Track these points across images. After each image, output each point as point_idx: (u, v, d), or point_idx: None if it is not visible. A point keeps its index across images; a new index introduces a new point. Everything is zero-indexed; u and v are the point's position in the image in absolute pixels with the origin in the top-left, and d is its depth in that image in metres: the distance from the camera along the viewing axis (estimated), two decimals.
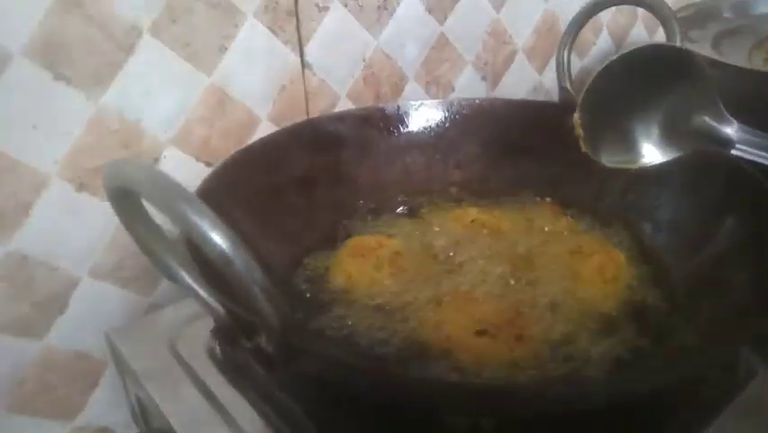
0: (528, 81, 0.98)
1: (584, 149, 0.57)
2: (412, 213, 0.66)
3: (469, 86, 0.91)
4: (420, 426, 0.41)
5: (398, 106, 0.68)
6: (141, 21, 0.59)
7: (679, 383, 0.42)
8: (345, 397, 0.44)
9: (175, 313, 0.62)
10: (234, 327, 0.36)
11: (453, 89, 0.89)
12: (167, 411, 0.52)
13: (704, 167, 0.53)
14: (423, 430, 0.42)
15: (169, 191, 0.27)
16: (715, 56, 0.81)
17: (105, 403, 0.69)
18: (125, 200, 0.31)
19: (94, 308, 0.65)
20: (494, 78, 0.93)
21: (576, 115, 0.56)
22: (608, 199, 0.63)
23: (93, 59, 0.57)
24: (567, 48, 0.66)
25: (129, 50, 0.59)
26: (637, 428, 0.46)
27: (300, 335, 0.36)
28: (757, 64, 0.81)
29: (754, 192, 0.49)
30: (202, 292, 0.36)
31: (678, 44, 0.63)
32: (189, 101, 0.64)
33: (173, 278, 0.36)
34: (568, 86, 0.67)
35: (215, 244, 0.27)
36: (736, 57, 0.83)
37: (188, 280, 0.36)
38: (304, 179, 0.62)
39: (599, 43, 1.05)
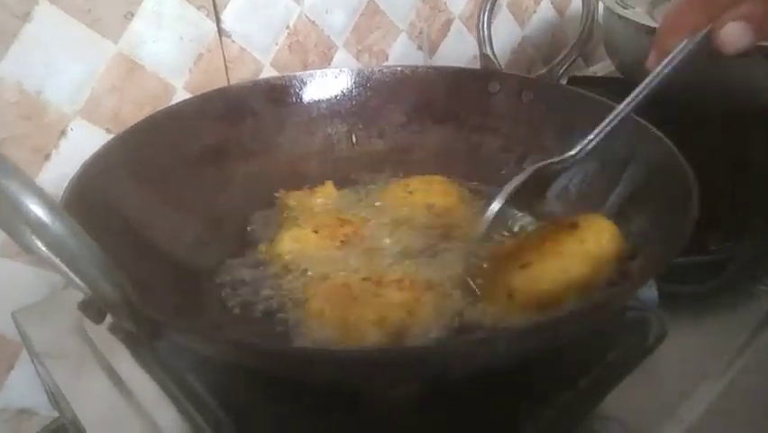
0: (468, 51, 0.97)
1: None
2: (336, 184, 0.64)
3: (404, 55, 0.89)
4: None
5: (316, 74, 0.66)
6: None
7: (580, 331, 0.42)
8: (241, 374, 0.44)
9: None
10: (100, 302, 0.35)
11: (387, 58, 0.87)
12: (71, 398, 0.50)
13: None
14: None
15: None
16: (649, 21, 0.80)
17: (24, 385, 0.67)
18: None
19: (3, 288, 0.63)
20: (430, 47, 0.92)
21: None
22: (519, 164, 0.62)
23: None
24: (486, 13, 0.64)
25: (24, 17, 0.56)
26: (542, 386, 0.46)
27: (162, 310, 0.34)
28: None
29: (654, 146, 0.49)
30: (62, 265, 0.35)
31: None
32: (95, 70, 0.62)
33: (29, 248, 0.34)
34: (488, 52, 0.66)
35: (29, 210, 0.25)
36: None
37: (46, 250, 0.34)
38: (216, 150, 0.61)
39: (540, 12, 1.04)
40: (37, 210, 0.25)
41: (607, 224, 0.48)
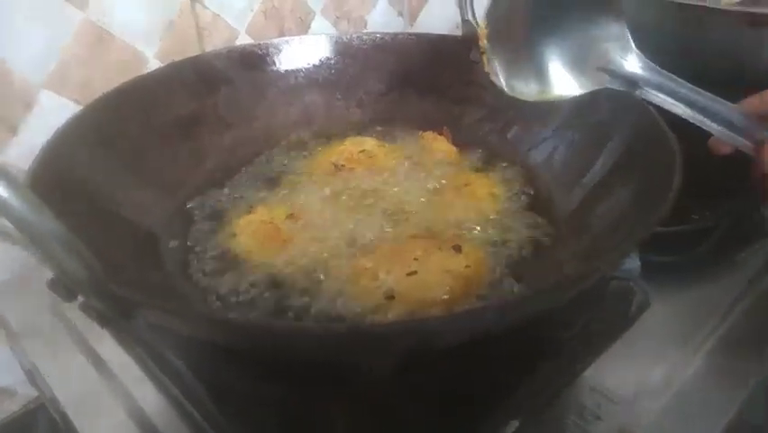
0: (450, 18, 0.94)
1: (486, 68, 0.52)
2: (310, 156, 0.62)
3: (384, 22, 0.87)
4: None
5: (293, 41, 0.64)
6: None
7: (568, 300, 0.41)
8: (218, 350, 0.43)
9: None
10: (67, 281, 0.33)
11: (366, 25, 0.85)
12: (48, 376, 0.49)
13: (588, 96, 0.51)
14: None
15: None
16: None
17: (2, 363, 0.66)
18: None
19: None
20: (411, 14, 0.89)
21: (481, 24, 0.51)
22: (502, 135, 0.61)
23: None
24: None
25: None
26: (526, 356, 0.46)
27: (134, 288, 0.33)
28: None
29: (638, 115, 0.48)
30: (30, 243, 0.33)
31: None
32: (61, 39, 0.59)
33: None
34: (470, 17, 0.64)
35: None
36: None
37: (12, 228, 0.32)
38: (190, 121, 0.58)
39: None
40: None
41: None
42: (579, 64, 0.51)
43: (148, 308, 0.31)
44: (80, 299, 0.34)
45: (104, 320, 0.33)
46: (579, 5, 0.50)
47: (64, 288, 0.35)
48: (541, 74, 0.52)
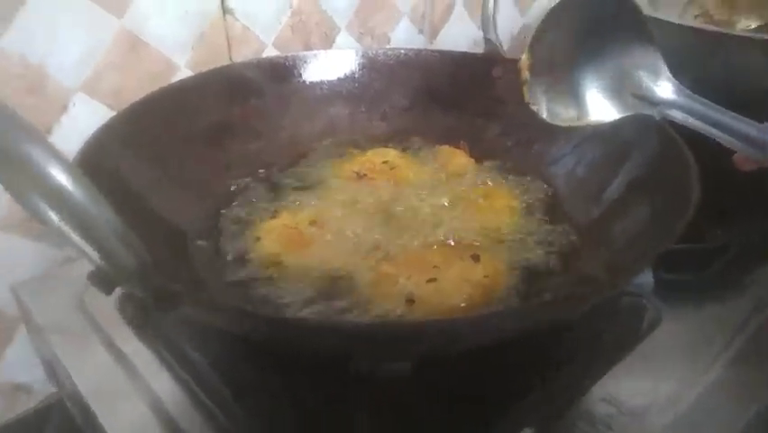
0: (468, 35, 0.97)
1: (527, 98, 0.54)
2: (334, 166, 0.64)
3: (406, 39, 0.89)
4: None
5: (320, 54, 0.66)
6: None
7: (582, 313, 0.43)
8: (242, 347, 0.44)
9: (86, 266, 0.60)
10: (110, 272, 0.35)
11: (389, 41, 0.87)
12: (73, 372, 0.50)
13: None
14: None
15: None
16: (648, 10, 0.80)
17: (21, 360, 0.67)
18: None
19: (3, 262, 0.62)
20: (432, 31, 0.92)
21: (524, 57, 0.53)
22: (523, 149, 0.63)
23: None
24: None
25: None
26: (537, 368, 0.47)
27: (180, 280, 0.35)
28: (689, 20, 0.81)
29: (655, 133, 0.50)
30: (74, 234, 0.35)
31: None
32: (99, 46, 0.61)
33: (42, 218, 0.34)
34: (493, 37, 0.66)
35: (50, 176, 0.25)
36: (670, 12, 0.82)
37: (57, 220, 0.34)
38: (219, 128, 0.60)
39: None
40: (59, 176, 0.25)
41: None
42: (615, 91, 0.53)
43: (192, 302, 0.32)
44: (118, 292, 0.36)
45: (143, 313, 0.34)
46: (615, 35, 0.52)
47: (104, 280, 0.36)
48: (580, 101, 0.53)
